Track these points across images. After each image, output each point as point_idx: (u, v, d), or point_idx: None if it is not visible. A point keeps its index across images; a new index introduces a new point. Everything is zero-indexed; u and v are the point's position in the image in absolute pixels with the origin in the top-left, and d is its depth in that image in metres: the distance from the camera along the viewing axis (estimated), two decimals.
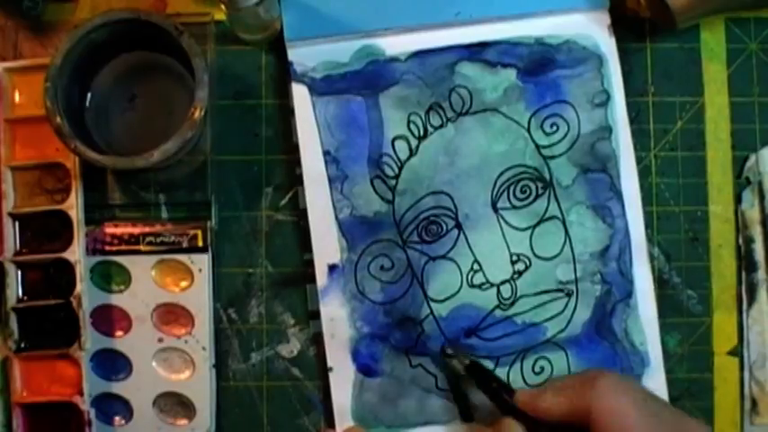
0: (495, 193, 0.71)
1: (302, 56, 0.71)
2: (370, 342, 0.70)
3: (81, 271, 0.69)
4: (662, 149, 0.73)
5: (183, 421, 0.71)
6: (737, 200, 0.73)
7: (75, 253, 0.69)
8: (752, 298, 0.73)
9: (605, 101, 0.71)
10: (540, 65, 0.71)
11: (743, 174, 0.73)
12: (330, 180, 0.70)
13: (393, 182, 0.71)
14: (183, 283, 0.71)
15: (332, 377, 0.70)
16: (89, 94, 0.71)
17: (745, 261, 0.73)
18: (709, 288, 0.73)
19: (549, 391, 0.64)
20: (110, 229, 0.72)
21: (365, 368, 0.70)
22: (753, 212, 0.73)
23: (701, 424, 0.62)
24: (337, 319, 0.70)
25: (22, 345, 0.70)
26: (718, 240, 0.73)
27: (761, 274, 0.73)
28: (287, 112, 0.72)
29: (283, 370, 0.72)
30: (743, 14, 0.74)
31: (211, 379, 0.71)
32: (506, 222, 0.71)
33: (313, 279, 0.71)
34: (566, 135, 0.71)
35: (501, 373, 0.70)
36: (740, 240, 0.73)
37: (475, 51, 0.71)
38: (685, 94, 0.74)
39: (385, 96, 0.71)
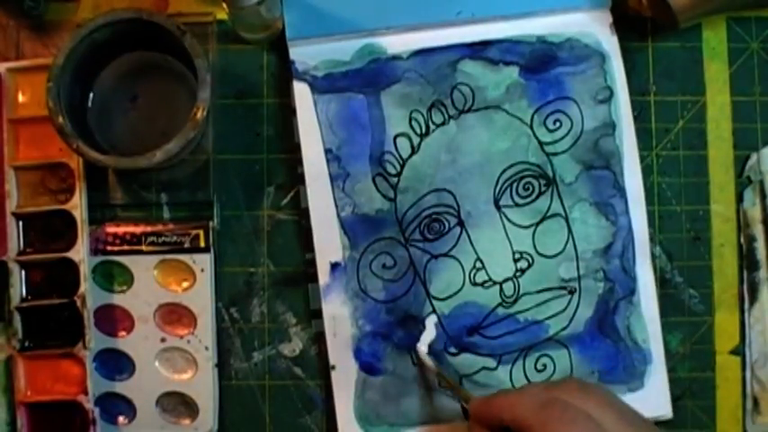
0: (497, 190, 0.71)
1: (304, 54, 0.71)
2: (373, 340, 0.70)
3: (85, 270, 0.69)
4: (663, 148, 0.73)
5: (186, 421, 0.71)
6: (739, 199, 0.73)
7: (80, 252, 0.69)
8: (753, 297, 0.73)
9: (608, 97, 0.71)
10: (542, 62, 0.71)
11: (744, 173, 0.73)
12: (332, 178, 0.70)
13: (395, 180, 0.71)
14: (185, 283, 0.71)
15: (334, 376, 0.70)
16: (91, 94, 0.71)
17: (747, 260, 0.73)
18: (710, 287, 0.73)
19: (498, 399, 0.60)
20: (111, 229, 0.72)
21: (367, 366, 0.70)
22: (754, 211, 0.73)
23: None
24: (339, 317, 0.70)
25: (26, 344, 0.70)
26: (720, 239, 0.73)
27: (762, 272, 0.73)
28: (288, 112, 0.72)
29: (285, 369, 0.72)
30: (744, 13, 0.74)
31: (214, 378, 0.71)
32: (509, 220, 0.71)
33: (315, 278, 0.71)
34: (569, 132, 0.71)
35: (504, 371, 0.70)
36: (742, 239, 0.73)
37: (477, 49, 0.71)
38: (687, 93, 0.74)
39: (387, 94, 0.71)
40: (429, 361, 0.69)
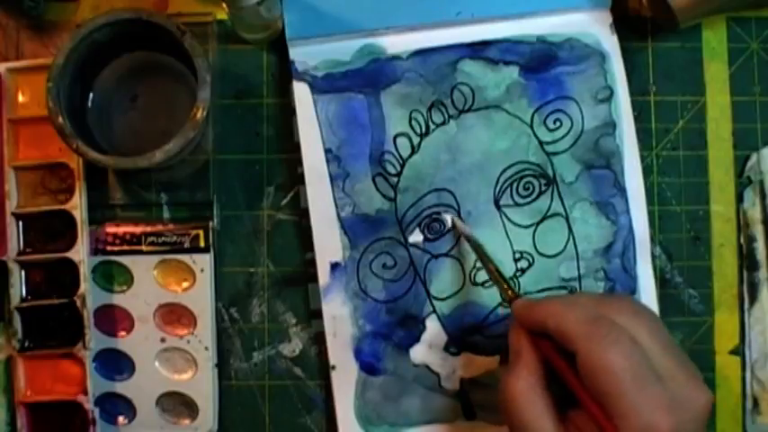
0: (497, 190, 0.71)
1: (303, 54, 0.71)
2: (373, 340, 0.70)
3: (85, 270, 0.69)
4: (663, 149, 0.73)
5: (186, 421, 0.71)
6: (739, 199, 0.73)
7: (79, 253, 0.69)
8: (753, 297, 0.73)
9: (609, 96, 0.71)
10: (542, 62, 0.71)
11: (744, 173, 0.73)
12: (332, 178, 0.70)
13: (395, 179, 0.71)
14: (185, 283, 0.71)
15: (334, 376, 0.70)
16: (91, 94, 0.71)
17: (747, 260, 0.73)
18: (710, 287, 0.73)
19: (546, 305, 0.58)
20: (111, 229, 0.72)
21: (368, 366, 0.70)
22: (754, 212, 0.73)
23: (703, 392, 0.55)
24: (339, 317, 0.70)
25: (26, 344, 0.70)
26: (720, 240, 0.73)
27: (762, 273, 0.73)
28: (288, 112, 0.72)
29: (285, 369, 0.72)
30: (744, 14, 0.74)
31: (214, 378, 0.71)
32: (509, 220, 0.71)
33: (315, 278, 0.71)
34: (569, 131, 0.71)
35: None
36: (741, 239, 0.73)
37: (477, 49, 0.71)
38: (687, 93, 0.74)
39: (387, 94, 0.71)
40: (467, 230, 0.68)
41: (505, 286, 0.63)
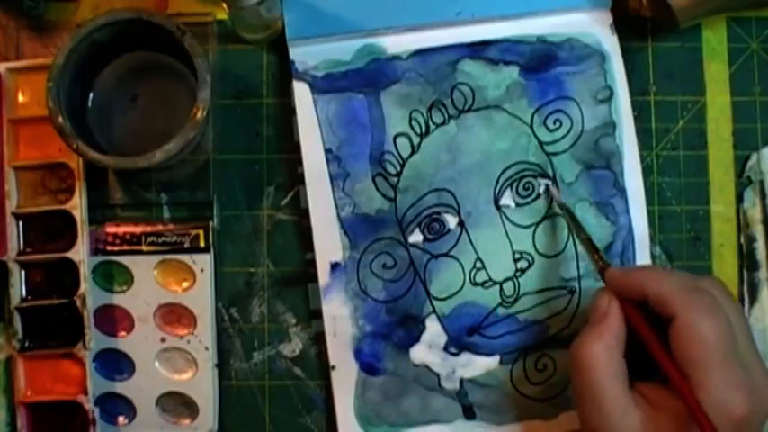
0: (497, 190, 0.71)
1: (303, 54, 0.71)
2: (373, 340, 0.70)
3: (85, 270, 0.69)
4: (663, 149, 0.73)
5: (186, 421, 0.71)
6: (739, 199, 0.73)
7: (79, 253, 0.69)
8: (753, 297, 0.72)
9: (609, 97, 0.71)
10: (542, 62, 0.71)
11: (744, 173, 0.73)
12: (332, 178, 0.70)
13: (395, 179, 0.71)
14: (185, 284, 0.71)
15: (334, 376, 0.70)
16: (91, 94, 0.71)
17: (747, 260, 0.73)
18: None
19: (643, 272, 0.59)
20: (111, 229, 0.72)
21: (368, 366, 0.70)
22: (754, 212, 0.73)
23: None
24: (339, 317, 0.70)
25: (26, 344, 0.70)
26: (720, 240, 0.73)
27: (762, 272, 0.73)
28: (288, 112, 0.72)
29: (285, 369, 0.72)
30: (744, 14, 0.74)
31: (214, 378, 0.71)
32: (509, 220, 0.71)
33: (315, 278, 0.71)
34: (569, 131, 0.71)
35: (504, 370, 0.70)
36: (742, 240, 0.73)
37: (477, 49, 0.71)
38: (687, 93, 0.74)
39: (387, 94, 0.71)
40: (562, 199, 0.70)
41: (596, 256, 0.64)
